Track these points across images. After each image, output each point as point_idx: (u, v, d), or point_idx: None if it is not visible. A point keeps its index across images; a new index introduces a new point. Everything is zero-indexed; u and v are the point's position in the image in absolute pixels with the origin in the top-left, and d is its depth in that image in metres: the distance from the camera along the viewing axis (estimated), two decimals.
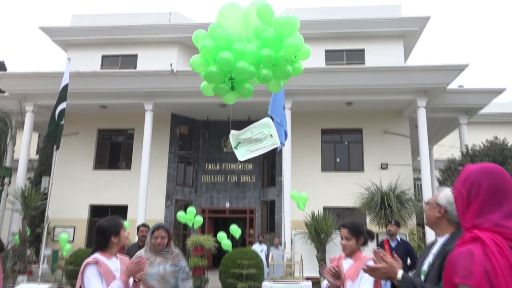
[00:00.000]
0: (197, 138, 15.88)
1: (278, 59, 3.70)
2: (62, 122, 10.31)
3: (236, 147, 4.68)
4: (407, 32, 15.74)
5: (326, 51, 15.97)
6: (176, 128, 15.31)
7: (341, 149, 14.83)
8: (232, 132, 4.71)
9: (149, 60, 15.94)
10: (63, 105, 10.59)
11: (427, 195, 12.13)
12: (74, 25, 16.69)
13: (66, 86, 10.73)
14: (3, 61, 20.54)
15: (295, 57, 3.80)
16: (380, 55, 15.57)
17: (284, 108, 9.11)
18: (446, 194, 2.10)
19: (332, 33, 15.90)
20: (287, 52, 3.66)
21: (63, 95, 10.73)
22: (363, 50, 15.92)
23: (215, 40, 3.60)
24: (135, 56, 16.26)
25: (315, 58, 15.55)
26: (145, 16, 16.62)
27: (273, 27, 3.68)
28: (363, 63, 15.68)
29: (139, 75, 13.21)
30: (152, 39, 16.15)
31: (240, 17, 3.83)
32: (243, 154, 4.62)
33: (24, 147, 13.61)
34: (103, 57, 16.37)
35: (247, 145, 4.67)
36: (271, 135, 4.72)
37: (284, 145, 9.14)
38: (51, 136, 10.59)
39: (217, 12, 3.82)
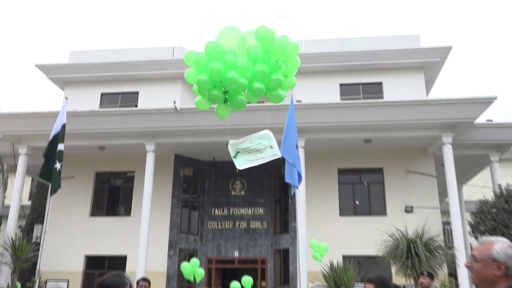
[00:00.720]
0: (203, 181, 15.88)
1: (270, 67, 4.10)
2: (59, 166, 10.33)
3: (235, 156, 4.91)
4: (428, 63, 15.84)
5: (341, 85, 16.11)
6: (179, 170, 15.34)
7: (361, 191, 14.73)
8: (231, 141, 4.93)
9: (151, 98, 16.20)
10: (60, 147, 10.55)
11: (458, 241, 11.83)
12: (72, 62, 17.09)
13: (63, 127, 10.76)
14: None
15: (284, 61, 4.20)
16: (399, 88, 15.64)
17: (297, 147, 9.11)
18: (503, 247, 2.01)
19: (346, 66, 16.05)
20: (275, 54, 4.07)
21: (60, 136, 10.70)
22: (380, 83, 16.01)
23: (208, 53, 4.02)
24: (136, 93, 16.55)
25: (329, 92, 15.75)
26: (147, 51, 16.96)
27: (272, 52, 4.08)
28: (381, 97, 15.70)
29: (140, 113, 13.32)
30: (154, 75, 16.42)
31: (237, 39, 4.21)
32: (242, 163, 4.87)
33: (16, 192, 13.62)
34: (102, 95, 16.67)
35: (246, 154, 4.92)
36: (271, 146, 4.94)
37: (298, 187, 8.98)
38: (45, 176, 10.46)
39: (216, 34, 4.25)
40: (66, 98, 11.90)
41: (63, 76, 16.79)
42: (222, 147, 13.10)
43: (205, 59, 4.08)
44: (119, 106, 16.31)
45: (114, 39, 72.80)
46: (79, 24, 71.39)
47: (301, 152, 12.54)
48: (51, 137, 10.81)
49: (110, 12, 73.61)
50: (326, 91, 15.96)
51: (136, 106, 16.18)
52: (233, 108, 4.23)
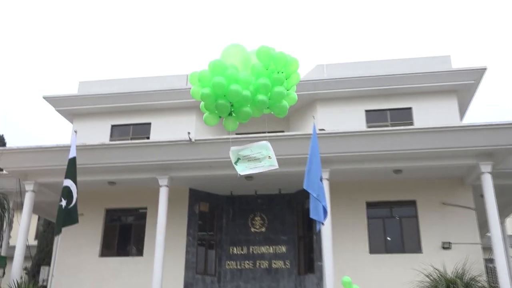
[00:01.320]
0: (220, 217, 15.76)
1: (272, 81, 4.58)
2: (65, 203, 10.31)
3: (236, 163, 5.32)
4: (461, 86, 15.73)
5: (367, 111, 16.08)
6: (195, 205, 15.27)
7: (392, 226, 14.41)
8: (232, 148, 5.35)
9: (164, 129, 16.35)
10: (66, 182, 10.63)
11: (504, 281, 11.43)
12: (81, 93, 17.41)
13: (71, 161, 10.96)
14: (2, 135, 21.22)
15: (286, 74, 4.64)
16: (430, 114, 15.50)
17: (321, 179, 9.09)
18: None
19: (372, 91, 16.04)
20: (276, 67, 4.55)
21: (67, 170, 10.86)
22: (410, 109, 15.91)
23: (211, 69, 4.51)
24: (148, 124, 16.70)
25: (354, 119, 15.73)
26: (158, 80, 17.21)
27: (273, 65, 4.57)
28: (411, 123, 15.61)
29: (152, 145, 13.34)
30: (167, 105, 16.57)
31: (241, 56, 4.69)
32: (243, 169, 5.28)
33: (22, 232, 13.56)
34: (113, 127, 16.88)
35: (246, 162, 5.32)
36: (269, 156, 5.35)
37: (323, 223, 8.96)
38: (63, 222, 10.47)
39: (220, 51, 4.73)
40: (75, 132, 12.36)
41: (72, 108, 17.08)
42: (240, 181, 14.19)
43: (208, 75, 4.55)
44: (131, 138, 16.47)
45: (124, 68, 74.41)
46: (87, 54, 73.35)
47: (326, 185, 12.34)
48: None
49: (119, 41, 75.56)
50: (351, 118, 15.95)
51: (148, 138, 16.31)
52: (239, 121, 4.71)
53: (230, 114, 4.67)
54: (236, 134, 12.45)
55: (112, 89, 16.99)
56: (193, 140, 12.84)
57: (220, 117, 4.84)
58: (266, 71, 4.61)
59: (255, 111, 4.82)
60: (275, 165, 5.39)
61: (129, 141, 14.35)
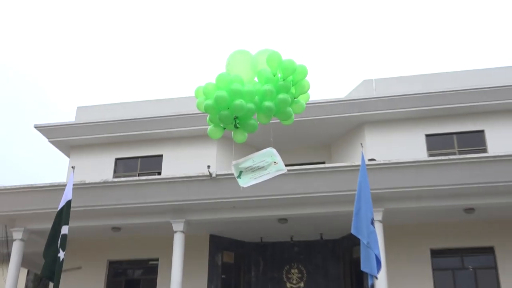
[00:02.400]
0: (248, 269, 15.55)
1: (278, 88, 5.34)
2: (62, 255, 10.25)
3: (239, 176, 6.00)
4: None
5: (428, 136, 15.86)
6: (217, 255, 15.05)
7: (465, 279, 13.93)
8: (234, 162, 6.07)
9: (179, 163, 16.28)
10: (64, 230, 10.56)
11: None
12: (79, 120, 17.62)
13: (68, 203, 10.81)
14: None
15: (295, 85, 5.49)
16: (508, 138, 15.13)
17: (372, 222, 9.02)
18: None
19: (434, 111, 15.76)
20: (283, 73, 5.30)
21: (65, 215, 10.69)
22: (482, 132, 15.65)
23: (216, 82, 5.32)
24: (159, 157, 16.74)
25: (412, 146, 15.51)
26: (171, 103, 17.20)
27: (281, 73, 5.39)
28: (484, 150, 15.28)
29: (165, 182, 13.20)
30: (181, 133, 16.55)
31: (248, 63, 5.45)
32: (246, 181, 5.98)
33: None
34: (117, 160, 16.91)
35: (249, 173, 5.99)
36: (275, 162, 6.01)
37: (377, 277, 8.81)
38: (46, 272, 10.46)
39: (226, 59, 5.55)
40: (73, 168, 12.21)
41: (68, 139, 17.20)
42: (272, 224, 14.07)
43: (213, 88, 5.38)
44: (138, 174, 16.42)
45: (128, 90, 75.32)
46: (85, 76, 74.84)
47: (379, 229, 12.08)
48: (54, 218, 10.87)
49: (121, 58, 76.85)
50: (408, 145, 15.71)
51: (159, 173, 16.23)
52: (245, 132, 5.53)
53: (235, 126, 5.52)
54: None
55: (116, 115, 16.96)
56: (214, 175, 12.74)
57: (225, 129, 5.65)
58: (273, 77, 5.36)
59: (262, 119, 5.61)
60: (283, 169, 6.04)
61: (137, 178, 14.21)
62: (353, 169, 11.34)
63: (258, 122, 5.91)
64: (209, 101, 5.32)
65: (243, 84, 5.34)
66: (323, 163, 15.72)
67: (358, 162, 10.32)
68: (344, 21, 72.72)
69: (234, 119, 5.42)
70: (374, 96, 16.01)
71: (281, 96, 5.37)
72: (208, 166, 13.19)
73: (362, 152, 9.99)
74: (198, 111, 15.13)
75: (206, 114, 14.87)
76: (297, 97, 5.71)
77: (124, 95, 72.67)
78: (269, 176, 5.97)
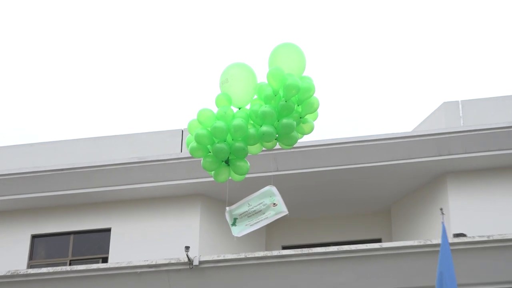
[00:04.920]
0: None
1: (279, 110, 6.36)
2: None
3: (233, 224, 6.99)
4: None
5: None
6: None
7: None
8: (227, 208, 6.98)
9: (136, 241, 15.47)
10: None
11: None
12: None
13: None
14: None
15: (300, 106, 6.68)
16: None
17: None
18: None
19: None
20: (285, 93, 6.32)
21: None
22: None
23: (198, 119, 6.67)
24: (106, 232, 15.52)
25: None
26: (126, 142, 16.09)
27: (282, 92, 6.42)
28: None
29: (117, 274, 12.87)
30: (143, 193, 15.52)
31: (248, 79, 6.73)
32: (240, 229, 6.89)
33: None
34: (34, 238, 15.61)
35: (245, 219, 6.95)
36: (274, 203, 6.90)
37: None
38: None
39: (221, 73, 6.93)
40: None
41: None
42: None
43: (196, 126, 6.70)
44: (70, 262, 15.34)
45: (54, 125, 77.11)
46: None
47: None
48: None
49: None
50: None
51: (105, 260, 15.23)
52: (234, 172, 6.70)
53: (227, 163, 6.57)
54: (308, 247, 13.52)
55: (31, 164, 15.78)
56: (195, 262, 12.67)
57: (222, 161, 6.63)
58: (274, 96, 6.38)
59: (258, 148, 6.77)
60: (284, 211, 6.96)
61: (67, 267, 13.71)
62: (429, 250, 11.64)
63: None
64: (194, 143, 6.45)
65: (231, 117, 6.21)
66: (379, 240, 15.45)
67: (436, 240, 11.00)
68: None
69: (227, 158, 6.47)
70: (464, 128, 14.87)
71: (284, 121, 6.21)
72: (187, 248, 12.56)
73: (443, 224, 10.28)
74: (171, 156, 16.07)
75: (187, 160, 15.57)
76: (303, 117, 6.49)
77: (48, 131, 74.43)
78: (267, 221, 6.72)
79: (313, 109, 6.49)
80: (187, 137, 6.43)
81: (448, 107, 16.09)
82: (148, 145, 16.89)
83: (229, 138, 6.33)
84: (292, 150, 12.43)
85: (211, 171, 6.44)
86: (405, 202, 16.33)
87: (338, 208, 16.72)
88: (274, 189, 6.87)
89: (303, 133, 6.68)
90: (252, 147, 6.53)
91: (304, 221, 15.60)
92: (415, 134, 15.55)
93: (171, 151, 16.36)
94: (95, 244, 16.17)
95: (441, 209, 11.94)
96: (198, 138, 6.06)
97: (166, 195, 15.96)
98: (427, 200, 15.74)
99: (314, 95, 6.70)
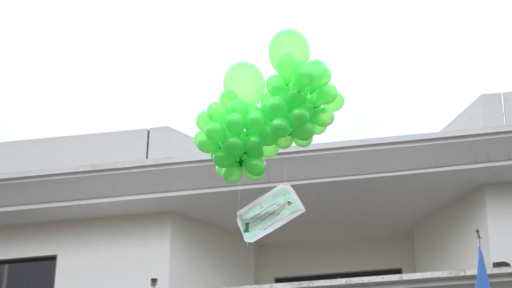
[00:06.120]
0: None
1: (289, 99, 6.60)
2: None
3: (246, 230, 6.96)
4: None
5: None
6: None
7: None
8: (239, 212, 6.96)
9: (89, 270, 15.15)
10: None
11: None
12: None
13: None
14: None
15: (314, 92, 6.86)
16: None
17: None
18: None
19: None
20: (298, 83, 6.54)
21: None
22: None
23: (208, 114, 6.83)
24: (51, 260, 15.25)
25: None
26: (74, 144, 15.82)
27: (293, 81, 6.68)
28: None
29: None
30: (100, 210, 15.17)
31: (253, 78, 7.01)
32: (253, 234, 6.88)
33: None
34: None
35: (258, 223, 6.94)
36: (289, 202, 6.90)
37: None
38: None
39: (224, 74, 7.19)
40: None
41: None
42: None
43: (206, 119, 6.83)
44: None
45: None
46: None
47: None
48: None
49: None
50: None
51: None
52: (249, 171, 6.68)
53: (240, 164, 6.59)
54: (307, 279, 13.48)
55: None
56: None
57: (236, 162, 6.73)
58: (285, 87, 6.53)
59: (273, 150, 6.84)
60: (300, 209, 6.88)
61: None
62: (461, 283, 11.73)
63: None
64: (203, 136, 6.47)
65: (247, 110, 6.41)
66: (399, 271, 15.09)
67: (471, 271, 10.94)
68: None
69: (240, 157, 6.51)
70: (508, 127, 14.34)
71: (296, 111, 6.26)
72: (153, 281, 12.71)
73: (479, 250, 10.10)
74: (135, 164, 15.46)
75: (152, 168, 15.30)
76: (317, 107, 6.55)
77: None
78: (283, 222, 6.67)
79: (330, 98, 6.40)
80: (196, 132, 6.61)
81: (487, 101, 15.27)
82: (104, 150, 15.86)
83: (243, 134, 6.41)
84: (287, 156, 11.50)
85: (223, 167, 6.54)
86: (432, 223, 15.71)
87: (347, 230, 15.94)
88: (288, 187, 6.88)
89: (322, 125, 6.62)
90: (268, 148, 6.59)
91: (303, 246, 14.73)
92: (444, 135, 14.70)
93: (134, 157, 15.38)
94: (36, 275, 15.61)
95: (477, 231, 11.96)
96: (209, 133, 6.19)
97: (128, 213, 15.24)
98: (460, 220, 15.06)
99: (331, 82, 6.63)
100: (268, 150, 6.56)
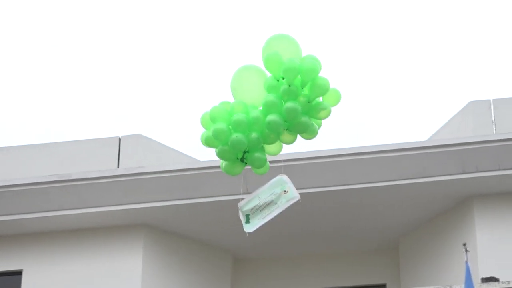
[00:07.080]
0: None
1: (281, 94, 6.87)
2: None
3: (247, 222, 7.27)
4: None
5: None
6: None
7: None
8: (239, 204, 7.25)
9: (56, 284, 14.97)
10: None
11: None
12: None
13: None
14: None
15: (305, 86, 7.12)
16: None
17: None
18: None
19: None
20: (287, 78, 6.81)
21: None
22: None
23: (211, 116, 7.18)
24: (17, 275, 15.16)
25: None
26: (45, 154, 15.61)
27: (283, 76, 6.91)
28: None
29: None
30: (64, 221, 15.01)
31: (259, 80, 7.21)
32: (254, 224, 7.25)
33: None
34: None
35: (258, 213, 7.31)
36: (285, 190, 7.26)
37: None
38: None
39: (231, 78, 7.50)
40: None
41: None
42: None
43: (209, 122, 7.27)
44: None
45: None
46: None
47: None
48: None
49: None
50: None
51: None
52: (252, 167, 7.11)
53: (242, 161, 6.96)
54: None
55: None
56: None
57: (238, 159, 7.09)
58: (277, 83, 6.82)
59: (277, 147, 7.25)
60: (295, 197, 7.27)
61: None
62: None
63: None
64: (208, 133, 6.84)
65: (247, 110, 6.72)
66: (384, 286, 15.37)
67: (459, 286, 11.10)
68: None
69: (244, 152, 6.84)
70: (498, 135, 14.15)
71: (287, 105, 6.53)
72: None
73: (467, 264, 10.10)
74: (107, 173, 15.34)
75: (123, 178, 15.15)
76: (311, 101, 6.80)
77: None
78: (279, 210, 7.05)
79: (322, 90, 6.66)
80: (202, 133, 6.92)
81: (477, 108, 15.16)
82: (73, 158, 15.63)
83: (246, 132, 6.72)
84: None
85: (226, 161, 6.86)
86: (418, 235, 15.56)
87: (328, 243, 15.75)
88: (285, 177, 7.17)
89: (319, 118, 6.90)
90: (272, 146, 6.92)
91: (283, 260, 14.42)
92: (431, 144, 14.53)
93: (105, 166, 15.14)
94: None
95: (464, 245, 11.47)
96: (216, 134, 6.51)
97: (98, 225, 15.03)
98: (447, 233, 14.90)
99: (322, 75, 6.86)
100: (272, 148, 6.91)
